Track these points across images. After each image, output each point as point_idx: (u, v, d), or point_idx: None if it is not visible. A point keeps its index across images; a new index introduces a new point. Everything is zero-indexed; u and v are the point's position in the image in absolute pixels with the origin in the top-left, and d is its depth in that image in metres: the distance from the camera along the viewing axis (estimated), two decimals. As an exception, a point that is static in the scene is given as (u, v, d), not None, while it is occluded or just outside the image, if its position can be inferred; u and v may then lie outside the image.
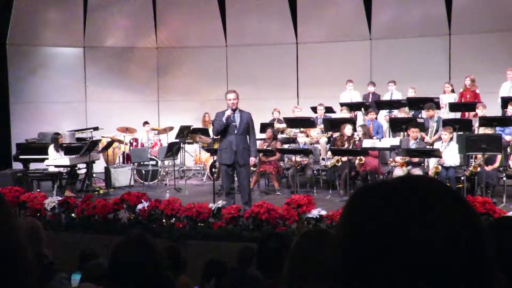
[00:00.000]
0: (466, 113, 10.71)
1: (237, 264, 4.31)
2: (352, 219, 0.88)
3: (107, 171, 10.97)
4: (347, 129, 9.67)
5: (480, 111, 9.82)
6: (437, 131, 9.72)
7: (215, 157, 10.43)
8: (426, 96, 10.87)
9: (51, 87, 13.47)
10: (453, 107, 10.69)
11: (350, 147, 9.61)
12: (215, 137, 7.92)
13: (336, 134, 10.18)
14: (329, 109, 11.67)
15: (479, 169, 8.34)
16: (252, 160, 7.88)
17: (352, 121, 10.33)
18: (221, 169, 8.10)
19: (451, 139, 8.83)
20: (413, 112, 10.95)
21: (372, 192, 0.89)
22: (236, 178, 7.95)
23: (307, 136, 10.46)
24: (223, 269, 4.31)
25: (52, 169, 9.98)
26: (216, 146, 11.18)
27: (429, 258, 0.80)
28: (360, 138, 9.69)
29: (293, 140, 10.92)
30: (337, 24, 13.71)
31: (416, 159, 8.80)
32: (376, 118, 11.01)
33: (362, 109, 11.51)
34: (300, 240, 1.90)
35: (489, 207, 6.47)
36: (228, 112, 7.58)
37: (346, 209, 0.90)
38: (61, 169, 10.01)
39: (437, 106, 10.47)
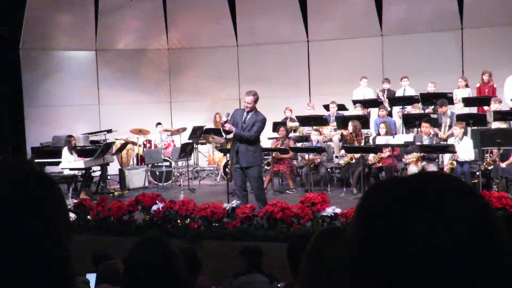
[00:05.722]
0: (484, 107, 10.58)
1: (243, 265, 4.31)
2: (364, 217, 0.85)
3: (121, 173, 11.02)
4: (349, 126, 9.70)
5: (496, 105, 9.69)
6: (450, 126, 9.62)
7: (228, 157, 10.46)
8: (439, 91, 10.78)
9: (65, 90, 13.56)
10: (467, 102, 10.59)
11: (362, 143, 9.58)
12: (227, 136, 8.01)
13: (345, 132, 10.15)
14: (341, 107, 11.62)
15: (491, 166, 8.27)
16: (227, 126, 7.52)
17: (365, 118, 10.27)
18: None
19: (465, 134, 8.74)
20: (433, 107, 10.80)
21: (384, 190, 0.86)
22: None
23: (320, 134, 10.43)
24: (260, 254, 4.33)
25: (67, 172, 10.06)
26: (228, 146, 11.21)
27: (442, 260, 0.76)
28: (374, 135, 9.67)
29: (306, 138, 10.88)
30: (348, 21, 13.64)
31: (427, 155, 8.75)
32: (387, 115, 10.93)
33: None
34: (317, 238, 1.89)
35: (506, 201, 6.41)
36: (223, 121, 7.65)
37: (359, 206, 0.88)
38: (76, 172, 10.10)
39: (450, 101, 10.37)
